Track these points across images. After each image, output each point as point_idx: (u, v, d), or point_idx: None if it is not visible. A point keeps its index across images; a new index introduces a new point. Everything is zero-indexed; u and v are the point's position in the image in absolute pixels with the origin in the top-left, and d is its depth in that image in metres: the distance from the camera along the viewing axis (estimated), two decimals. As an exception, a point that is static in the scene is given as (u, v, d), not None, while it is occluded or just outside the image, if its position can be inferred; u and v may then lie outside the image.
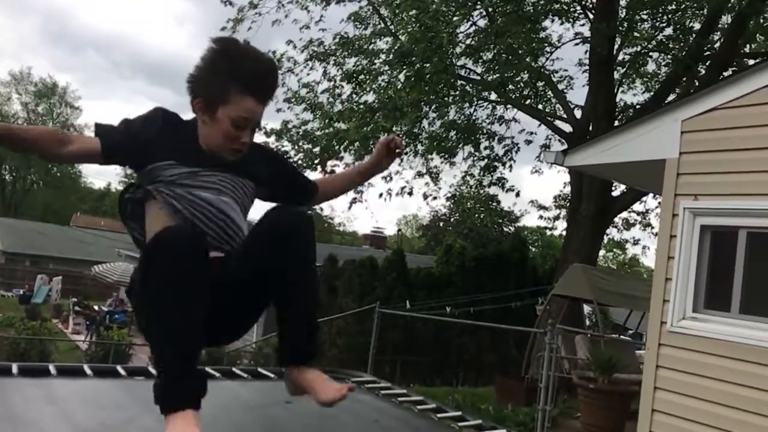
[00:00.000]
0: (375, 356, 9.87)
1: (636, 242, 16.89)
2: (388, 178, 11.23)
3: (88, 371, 3.46)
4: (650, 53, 12.45)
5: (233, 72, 1.55)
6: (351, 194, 11.22)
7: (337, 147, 10.34)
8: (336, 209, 61.13)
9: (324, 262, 15.26)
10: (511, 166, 11.58)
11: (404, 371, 12.42)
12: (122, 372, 3.61)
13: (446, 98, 10.40)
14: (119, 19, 77.04)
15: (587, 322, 12.20)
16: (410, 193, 11.46)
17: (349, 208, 11.30)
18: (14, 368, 3.33)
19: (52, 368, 3.47)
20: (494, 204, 11.93)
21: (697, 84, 10.80)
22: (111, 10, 76.28)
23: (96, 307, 20.48)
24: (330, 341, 13.35)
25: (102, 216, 48.87)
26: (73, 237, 34.38)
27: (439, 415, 3.48)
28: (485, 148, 11.38)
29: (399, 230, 47.50)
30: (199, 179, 1.66)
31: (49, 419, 2.57)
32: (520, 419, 7.22)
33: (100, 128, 1.63)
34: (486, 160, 11.56)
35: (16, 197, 50.33)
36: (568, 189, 13.96)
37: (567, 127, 11.91)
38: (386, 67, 10.10)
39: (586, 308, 11.89)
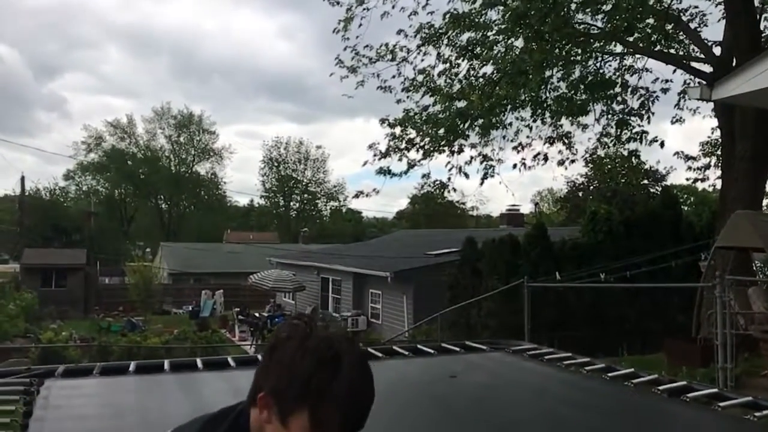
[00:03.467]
0: (530, 333, 9.66)
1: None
2: (520, 149, 10.96)
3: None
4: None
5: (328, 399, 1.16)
6: (482, 171, 11.08)
7: (461, 126, 10.24)
8: (467, 193, 60.88)
9: (463, 245, 15.20)
10: (649, 118, 10.83)
11: (562, 347, 11.99)
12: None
13: (570, 56, 9.93)
14: (236, 41, 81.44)
15: (759, 274, 11.15)
16: (545, 159, 11.06)
17: (481, 183, 11.10)
18: (198, 362, 3.62)
19: (230, 360, 3.73)
20: (636, 160, 11.20)
21: None
22: (226, 34, 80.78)
23: (257, 314, 21.84)
24: (481, 324, 13.26)
25: (250, 230, 52.07)
26: (227, 252, 36.82)
27: (610, 374, 3.32)
28: (618, 102, 10.72)
29: (536, 205, 46.20)
30: None
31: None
32: (698, 380, 6.74)
33: None
34: (621, 116, 10.89)
35: (173, 223, 54.86)
36: (716, 134, 12.84)
37: (706, 68, 10.94)
38: (501, 37, 9.81)
39: (757, 259, 10.87)
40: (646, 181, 26.44)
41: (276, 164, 58.23)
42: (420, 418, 2.90)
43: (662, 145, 10.91)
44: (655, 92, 11.14)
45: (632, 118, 10.93)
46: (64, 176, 53.36)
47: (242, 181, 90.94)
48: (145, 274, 29.75)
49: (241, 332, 20.97)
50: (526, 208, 44.04)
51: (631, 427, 2.68)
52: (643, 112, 10.79)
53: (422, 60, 11.33)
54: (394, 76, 11.36)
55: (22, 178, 38.13)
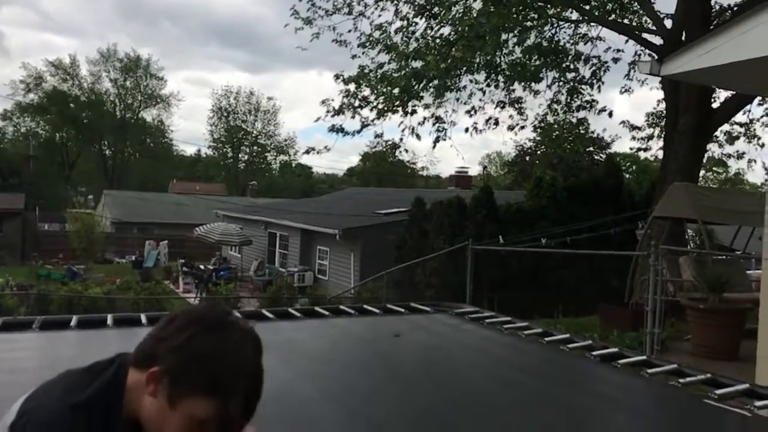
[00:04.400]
0: (472, 293, 9.92)
1: (741, 156, 15.79)
2: (472, 112, 11.04)
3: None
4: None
5: (217, 384, 1.15)
6: (434, 134, 11.14)
7: (416, 87, 10.22)
8: (418, 153, 61.12)
9: (411, 205, 15.34)
10: (599, 87, 11.04)
11: (501, 307, 12.35)
12: (238, 315, 3.81)
13: (526, 22, 9.97)
14: (189, -14, 78.24)
15: (691, 244, 11.68)
16: (496, 124, 11.19)
17: (434, 147, 11.19)
18: (143, 318, 3.59)
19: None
20: (584, 128, 11.44)
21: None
22: (181, -22, 77.54)
23: (202, 267, 21.63)
24: (425, 282, 13.51)
25: (196, 181, 51.10)
26: (173, 202, 36.11)
27: (547, 339, 3.46)
28: (571, 70, 10.88)
29: (484, 168, 46.79)
30: None
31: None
32: (627, 344, 7.08)
33: None
34: (572, 84, 11.07)
35: (117, 170, 53.30)
36: (662, 106, 13.20)
37: (657, 40, 11.18)
38: (460, -4, 9.77)
39: (690, 229, 11.37)
40: (591, 149, 27.06)
41: (225, 114, 56.98)
42: (364, 373, 2.98)
43: (611, 114, 11.20)
44: (606, 62, 11.35)
45: (583, 86, 11.13)
46: (0, 116, 50.95)
47: (190, 130, 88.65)
48: (87, 222, 28.93)
49: (186, 284, 20.76)
50: (475, 171, 44.59)
51: (567, 389, 2.81)
52: (594, 81, 11.00)
53: (380, 15, 11.20)
54: (350, 31, 11.21)
55: (-46, 117, 36.18)
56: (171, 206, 35.45)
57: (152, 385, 1.15)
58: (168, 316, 1.23)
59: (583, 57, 10.72)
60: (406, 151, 11.35)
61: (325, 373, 2.90)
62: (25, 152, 45.04)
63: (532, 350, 3.34)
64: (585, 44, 11.37)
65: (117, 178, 50.65)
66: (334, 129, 10.84)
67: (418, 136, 11.13)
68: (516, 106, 11.68)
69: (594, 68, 11.07)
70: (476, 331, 3.71)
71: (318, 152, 11.86)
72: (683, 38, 10.44)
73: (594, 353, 3.14)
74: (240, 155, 58.58)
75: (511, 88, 11.51)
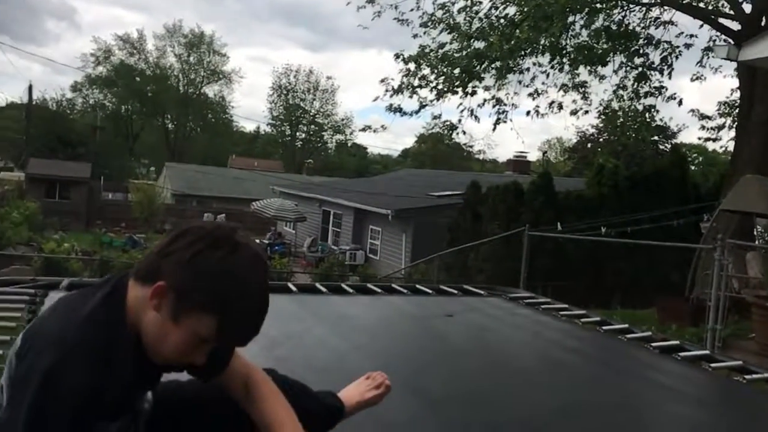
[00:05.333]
0: (526, 280, 9.77)
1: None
2: (535, 95, 10.80)
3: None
4: None
5: (225, 309, 1.14)
6: (494, 116, 10.95)
7: (477, 67, 10.04)
8: (475, 136, 60.48)
9: (466, 189, 15.19)
10: (670, 74, 10.60)
11: (555, 296, 12.11)
12: (293, 288, 3.86)
13: (595, 4, 9.65)
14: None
15: (759, 240, 11.18)
16: (560, 108, 10.91)
17: (494, 128, 10.98)
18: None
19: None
20: (650, 116, 11.03)
21: None
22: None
23: (257, 240, 22.00)
24: (477, 268, 13.39)
25: (254, 157, 51.97)
26: (232, 177, 36.86)
27: (604, 328, 3.37)
28: (640, 55, 10.48)
29: (544, 153, 45.85)
30: None
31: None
32: (686, 339, 6.86)
33: None
34: (641, 69, 10.66)
35: (178, 143, 54.66)
36: (735, 95, 12.61)
37: (734, 25, 10.64)
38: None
39: (759, 224, 10.87)
40: (656, 138, 26.17)
41: (285, 92, 57.55)
42: (417, 349, 2.98)
43: (680, 102, 10.75)
44: (678, 47, 10.88)
45: (652, 72, 10.71)
46: (71, 88, 52.85)
47: (250, 106, 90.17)
48: (148, 193, 29.84)
49: (241, 257, 21.19)
50: (534, 156, 43.77)
51: (624, 376, 2.74)
52: (664, 67, 10.57)
53: (444, -6, 10.98)
54: (412, 9, 11.06)
55: (30, 87, 37.70)
56: (230, 181, 36.18)
57: (156, 300, 1.14)
58: (173, 232, 1.20)
59: (654, 41, 10.30)
60: (464, 132, 11.24)
61: (377, 347, 2.90)
62: (93, 123, 46.65)
63: (589, 337, 3.26)
64: (656, 28, 10.94)
65: (178, 152, 51.91)
66: (392, 108, 10.78)
67: (477, 118, 10.96)
68: (580, 90, 11.35)
69: (665, 54, 10.64)
70: (531, 316, 3.64)
71: (374, 131, 11.87)
72: (763, 23, 9.91)
73: (653, 344, 3.05)
74: (297, 133, 59.19)
75: (575, 71, 11.19)
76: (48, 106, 48.34)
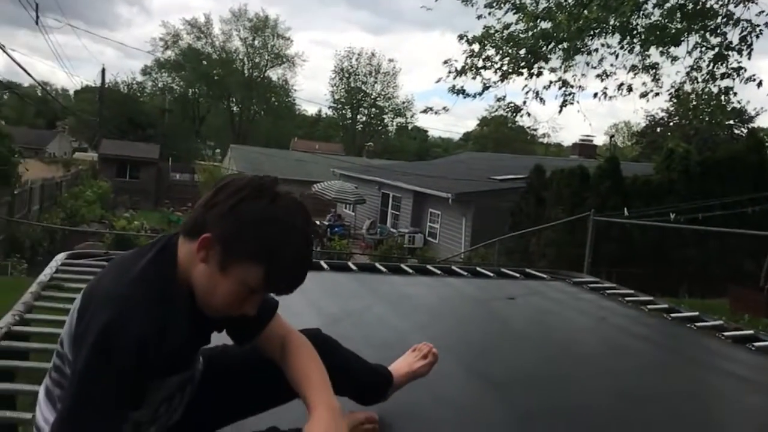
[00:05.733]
0: (589, 267, 9.54)
1: None
2: (603, 77, 10.42)
3: (325, 266, 3.77)
4: None
5: (271, 263, 1.16)
6: (560, 98, 10.65)
7: (544, 48, 9.77)
8: (540, 119, 59.15)
9: (530, 172, 14.93)
10: (750, 54, 10.02)
11: (620, 283, 11.85)
12: (353, 267, 3.89)
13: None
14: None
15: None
16: (629, 90, 10.48)
17: (560, 110, 10.67)
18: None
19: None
20: (728, 98, 10.48)
21: None
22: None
23: (318, 222, 22.35)
24: (539, 253, 13.18)
25: (316, 140, 52.52)
26: (294, 159, 37.40)
27: (672, 315, 3.26)
28: (717, 34, 9.94)
29: (611, 137, 44.46)
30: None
31: (300, 305, 2.84)
32: (761, 330, 6.57)
33: None
34: (717, 49, 10.13)
35: (243, 126, 55.77)
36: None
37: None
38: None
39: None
40: (732, 122, 25.01)
41: (346, 75, 57.75)
42: (478, 330, 2.96)
43: (759, 84, 10.15)
44: (758, 26, 10.27)
45: (729, 52, 10.16)
46: (141, 71, 54.52)
47: (312, 90, 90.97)
48: (214, 174, 30.61)
49: (302, 238, 21.53)
50: (600, 140, 42.56)
51: (692, 364, 2.64)
52: (743, 46, 10.01)
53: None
54: (477, -11, 10.82)
55: (103, 71, 39.35)
56: (292, 163, 36.71)
57: (204, 251, 1.16)
58: (216, 186, 1.22)
59: (734, 19, 9.76)
60: (528, 115, 10.95)
61: (438, 326, 2.90)
62: (162, 106, 48.11)
63: (656, 324, 3.16)
64: (735, 6, 10.35)
65: (243, 134, 52.94)
66: (454, 90, 10.59)
67: (543, 101, 10.64)
68: (651, 72, 10.88)
69: (744, 33, 10.07)
70: (595, 301, 3.56)
71: (436, 112, 11.69)
72: None
73: (725, 334, 2.93)
74: (358, 116, 59.41)
75: (646, 53, 10.73)
76: (119, 89, 50.07)
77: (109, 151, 32.13)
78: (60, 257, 3.11)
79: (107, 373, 1.06)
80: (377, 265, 4.03)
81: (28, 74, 40.31)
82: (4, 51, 12.22)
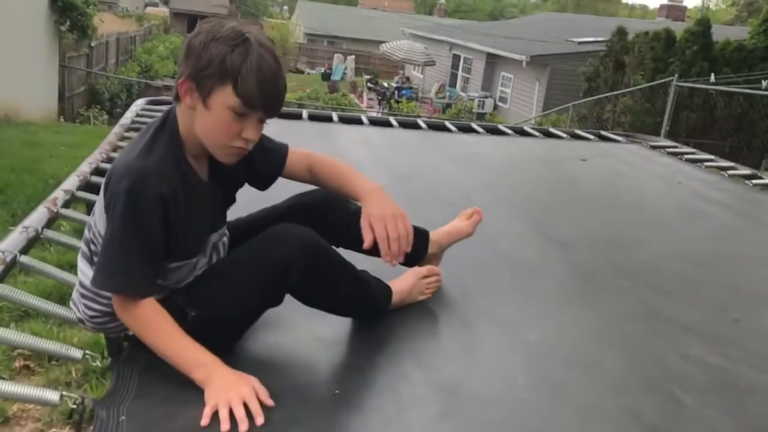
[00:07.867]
0: (667, 135, 9.15)
1: None
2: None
3: (394, 123, 3.75)
4: None
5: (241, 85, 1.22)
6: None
7: None
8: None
9: (611, 35, 14.01)
10: None
11: (698, 154, 11.39)
12: (422, 125, 3.85)
13: None
14: None
15: None
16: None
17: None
18: (334, 116, 3.76)
19: (364, 118, 3.84)
20: None
21: None
22: None
23: (386, 84, 22.00)
24: (614, 120, 12.68)
25: (386, -3, 50.38)
26: (361, 16, 36.30)
27: (753, 182, 3.14)
28: None
29: (703, -1, 40.73)
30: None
31: (369, 161, 2.87)
32: None
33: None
34: None
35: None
36: None
37: None
38: None
39: None
40: None
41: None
42: (546, 190, 2.94)
43: None
44: None
45: None
46: None
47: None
48: (282, 31, 30.18)
49: (369, 99, 21.38)
50: (691, 2, 39.16)
51: (769, 232, 2.57)
52: None
53: None
54: None
55: None
56: (360, 20, 35.67)
57: (188, 97, 1.24)
58: (185, 41, 1.29)
59: None
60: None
61: (505, 185, 2.89)
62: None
63: (735, 189, 3.06)
64: None
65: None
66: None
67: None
68: None
69: None
70: (672, 165, 3.45)
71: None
72: None
73: (812, 203, 2.81)
74: (431, -28, 56.26)
75: None
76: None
77: (179, 6, 31.96)
78: (140, 102, 3.24)
79: (137, 223, 1.19)
80: (446, 123, 3.97)
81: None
82: None
